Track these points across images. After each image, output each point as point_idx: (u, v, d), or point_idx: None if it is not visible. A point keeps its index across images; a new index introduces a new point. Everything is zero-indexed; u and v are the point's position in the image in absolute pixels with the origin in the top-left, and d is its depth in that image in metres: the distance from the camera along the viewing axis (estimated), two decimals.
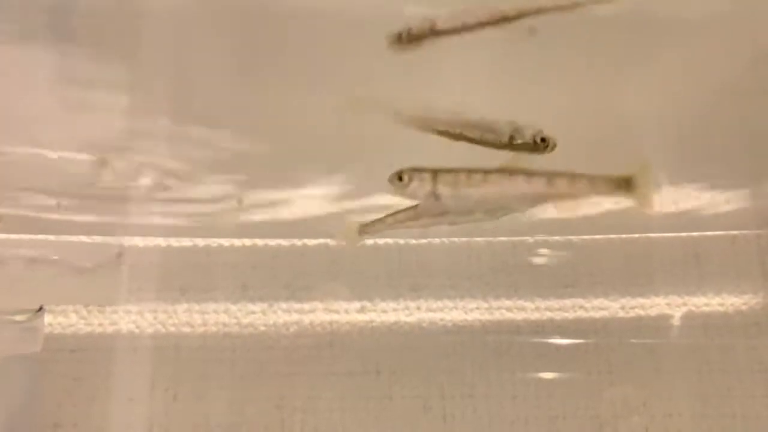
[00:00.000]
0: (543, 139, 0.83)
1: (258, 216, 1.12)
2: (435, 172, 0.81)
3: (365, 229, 0.93)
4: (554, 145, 0.83)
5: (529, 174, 0.81)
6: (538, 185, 0.81)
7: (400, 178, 0.81)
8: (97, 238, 1.07)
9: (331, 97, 0.89)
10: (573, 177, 0.81)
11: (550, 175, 0.81)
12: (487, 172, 0.81)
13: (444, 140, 0.84)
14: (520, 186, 0.81)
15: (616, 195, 0.83)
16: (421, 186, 0.81)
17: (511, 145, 0.82)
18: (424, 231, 1.13)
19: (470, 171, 0.81)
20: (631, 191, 0.82)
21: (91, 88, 0.92)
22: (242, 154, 1.06)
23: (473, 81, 0.92)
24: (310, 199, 1.10)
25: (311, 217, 1.11)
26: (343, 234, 0.95)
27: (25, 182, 0.94)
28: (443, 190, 0.81)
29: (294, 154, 1.04)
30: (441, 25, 0.80)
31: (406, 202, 0.87)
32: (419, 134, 0.86)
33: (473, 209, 0.84)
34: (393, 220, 0.90)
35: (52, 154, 0.92)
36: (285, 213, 1.11)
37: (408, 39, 0.81)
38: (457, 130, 0.83)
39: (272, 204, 1.11)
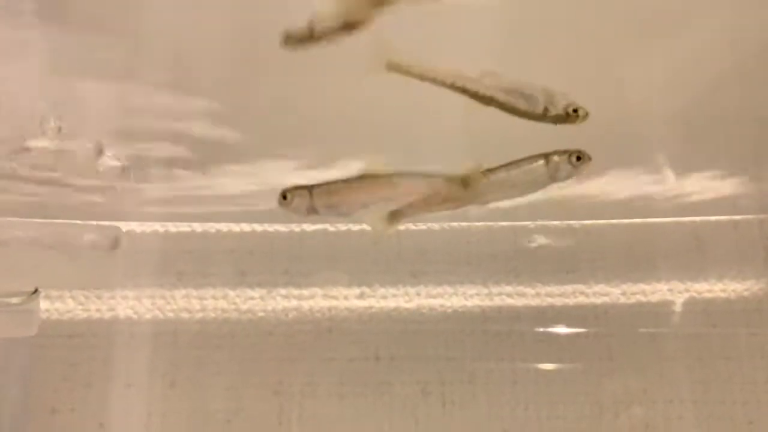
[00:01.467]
0: (575, 110, 0.82)
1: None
2: (311, 188, 0.87)
3: (395, 215, 0.92)
4: (585, 115, 0.83)
5: (387, 177, 0.87)
6: (391, 188, 0.88)
7: (284, 197, 0.88)
8: (93, 222, 1.06)
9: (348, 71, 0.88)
10: (415, 177, 0.87)
11: (398, 176, 0.87)
12: (349, 180, 0.87)
13: (466, 110, 0.82)
14: (383, 189, 0.87)
15: (452, 193, 0.88)
16: (301, 201, 0.87)
17: (544, 115, 0.82)
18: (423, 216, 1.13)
19: (340, 182, 0.87)
20: (465, 188, 0.87)
21: (87, 71, 0.91)
22: (243, 141, 1.05)
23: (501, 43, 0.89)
24: None
25: None
26: (373, 222, 0.95)
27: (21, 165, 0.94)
28: (318, 202, 0.87)
29: (303, 138, 1.03)
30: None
31: None
32: (440, 113, 0.86)
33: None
34: (423, 204, 0.90)
35: (48, 137, 0.91)
36: None
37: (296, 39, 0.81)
38: (489, 93, 0.82)
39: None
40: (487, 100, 0.82)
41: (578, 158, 0.86)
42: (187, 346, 1.09)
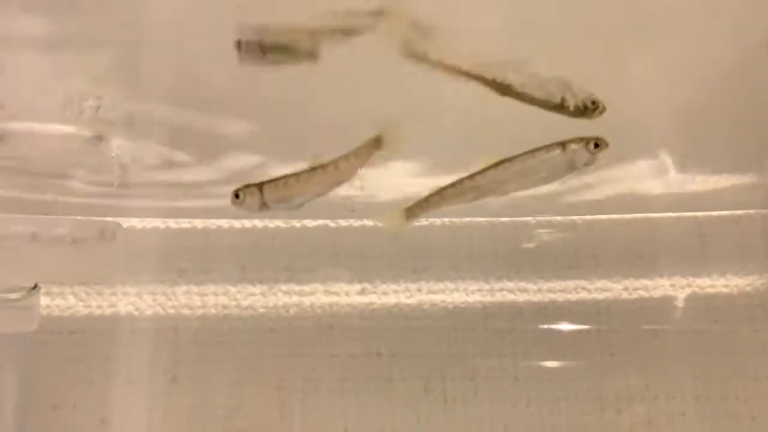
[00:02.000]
0: (593, 103, 0.82)
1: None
2: (261, 185, 0.91)
3: (411, 212, 0.92)
4: (603, 109, 0.82)
5: (326, 165, 0.91)
6: (334, 173, 0.91)
7: (237, 196, 0.91)
8: (94, 217, 1.06)
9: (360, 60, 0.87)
10: (347, 156, 0.91)
11: (336, 162, 0.92)
12: (298, 173, 0.91)
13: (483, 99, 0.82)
14: (329, 176, 0.91)
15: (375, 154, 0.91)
16: (252, 199, 0.91)
17: (561, 107, 0.81)
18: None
19: (289, 176, 0.91)
20: (382, 148, 0.91)
21: (88, 64, 0.91)
22: (244, 135, 1.05)
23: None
24: None
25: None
26: (388, 220, 0.95)
27: (21, 158, 0.94)
28: (269, 198, 0.91)
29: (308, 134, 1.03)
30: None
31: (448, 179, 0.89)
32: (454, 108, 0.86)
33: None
34: (439, 198, 0.90)
35: (49, 130, 0.91)
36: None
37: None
38: (507, 82, 0.81)
39: None
40: (504, 90, 0.81)
41: (596, 145, 0.85)
42: (188, 343, 1.09)
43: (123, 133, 1.03)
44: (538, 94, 0.82)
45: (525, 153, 0.86)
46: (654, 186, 1.09)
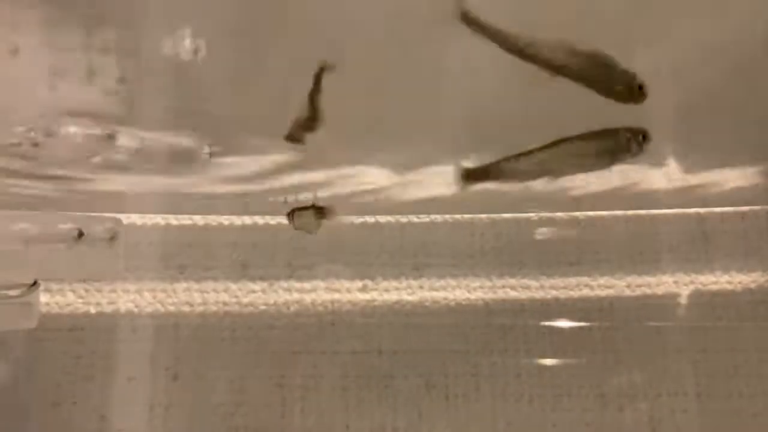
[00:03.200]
0: (641, 87, 0.80)
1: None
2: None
3: (468, 176, 0.91)
4: (646, 96, 0.80)
5: None
6: None
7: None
8: (94, 214, 1.06)
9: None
10: None
11: None
12: None
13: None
14: None
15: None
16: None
17: (611, 90, 0.79)
18: (426, 207, 1.12)
19: None
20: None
21: (89, 59, 0.91)
22: (244, 134, 1.04)
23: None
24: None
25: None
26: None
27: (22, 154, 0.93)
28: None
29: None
30: None
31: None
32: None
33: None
34: (496, 169, 0.90)
35: (51, 126, 0.90)
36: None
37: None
38: (563, 62, 0.79)
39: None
40: (558, 69, 0.79)
41: (644, 137, 0.85)
42: (188, 340, 1.08)
43: (124, 128, 1.02)
44: (592, 75, 0.79)
45: (577, 136, 0.85)
46: (657, 182, 1.09)
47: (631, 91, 0.80)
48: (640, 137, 0.85)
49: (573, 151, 0.86)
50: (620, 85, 0.80)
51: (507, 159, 0.88)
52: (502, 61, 0.81)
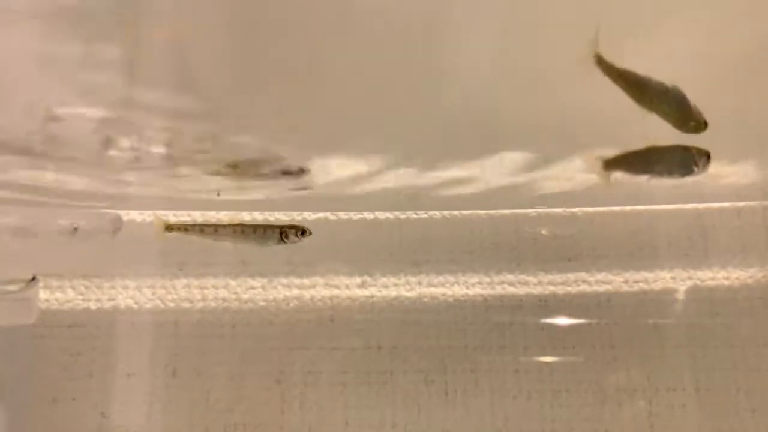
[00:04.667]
0: (705, 123, 0.86)
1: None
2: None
3: (609, 164, 0.92)
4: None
5: None
6: None
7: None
8: (93, 209, 1.06)
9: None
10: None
11: None
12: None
13: None
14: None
15: None
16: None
17: (685, 125, 0.85)
18: (424, 204, 1.13)
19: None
20: None
21: (89, 57, 0.91)
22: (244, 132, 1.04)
23: None
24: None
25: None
26: (592, 168, 0.94)
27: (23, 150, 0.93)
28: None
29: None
30: None
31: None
32: None
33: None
34: (633, 157, 0.91)
35: (50, 122, 0.91)
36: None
37: None
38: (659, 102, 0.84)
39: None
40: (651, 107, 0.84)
41: (708, 157, 0.89)
42: (188, 336, 1.08)
43: (124, 127, 1.02)
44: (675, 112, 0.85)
45: (650, 147, 0.88)
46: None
47: (698, 126, 0.86)
48: (706, 157, 0.89)
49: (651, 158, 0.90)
50: (693, 121, 0.86)
51: (639, 151, 0.91)
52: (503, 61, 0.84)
